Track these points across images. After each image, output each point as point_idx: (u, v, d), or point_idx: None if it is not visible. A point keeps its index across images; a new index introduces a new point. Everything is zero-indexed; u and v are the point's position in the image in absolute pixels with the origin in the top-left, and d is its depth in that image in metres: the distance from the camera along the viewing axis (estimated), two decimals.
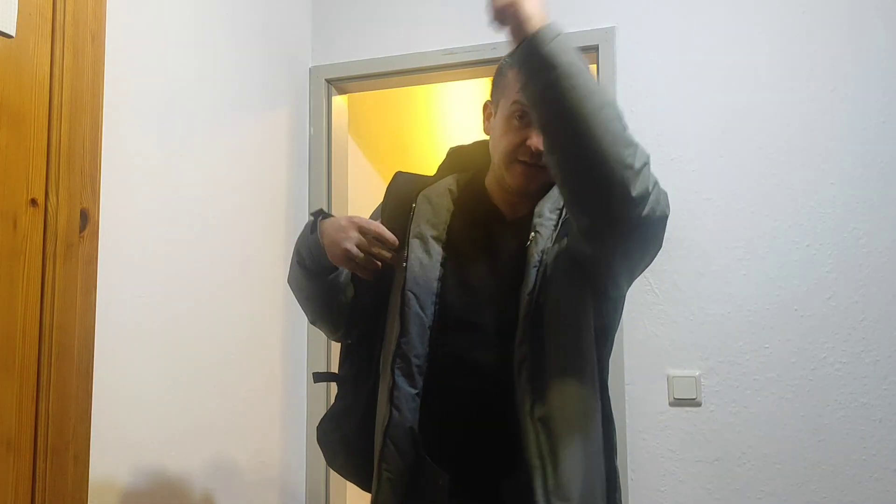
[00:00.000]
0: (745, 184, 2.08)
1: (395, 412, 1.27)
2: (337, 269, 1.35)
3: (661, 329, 2.11)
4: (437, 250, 1.33)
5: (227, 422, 2.01)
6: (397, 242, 1.31)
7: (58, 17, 1.46)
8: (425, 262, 1.32)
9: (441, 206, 1.38)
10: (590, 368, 1.27)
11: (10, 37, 1.37)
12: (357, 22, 2.52)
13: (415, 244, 1.34)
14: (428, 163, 3.60)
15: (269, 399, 2.23)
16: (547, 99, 1.12)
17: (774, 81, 2.09)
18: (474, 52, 2.34)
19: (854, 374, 1.96)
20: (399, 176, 1.47)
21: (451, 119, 3.75)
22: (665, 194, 1.18)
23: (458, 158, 1.49)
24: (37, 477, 1.37)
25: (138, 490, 1.69)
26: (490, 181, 1.44)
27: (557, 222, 1.30)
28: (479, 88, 4.05)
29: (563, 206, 1.31)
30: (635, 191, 1.09)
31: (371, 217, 1.48)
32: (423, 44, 2.42)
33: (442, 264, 1.32)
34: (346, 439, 1.45)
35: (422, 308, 1.30)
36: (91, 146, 1.53)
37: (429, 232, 1.35)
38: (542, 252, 1.26)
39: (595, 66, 2.26)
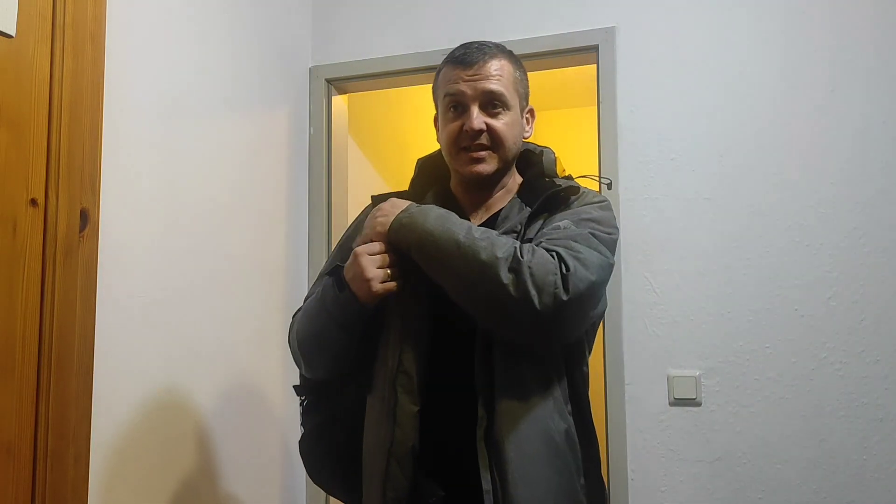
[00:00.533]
0: (745, 184, 2.08)
1: (397, 431, 1.27)
2: (369, 309, 1.33)
3: (661, 329, 2.11)
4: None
5: (228, 422, 2.01)
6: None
7: (58, 17, 1.46)
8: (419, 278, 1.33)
9: None
10: (550, 389, 1.27)
11: (10, 37, 1.37)
12: (357, 22, 2.52)
13: (407, 266, 1.34)
14: None
15: (270, 399, 2.23)
16: (424, 259, 1.27)
17: (774, 81, 2.09)
18: None
19: (855, 374, 1.96)
20: (377, 200, 1.47)
21: None
22: (581, 268, 1.20)
23: (427, 169, 1.51)
24: (37, 479, 1.37)
25: (138, 491, 1.69)
26: (454, 185, 1.47)
27: None
28: None
29: (520, 229, 1.32)
30: (516, 292, 1.16)
31: (343, 238, 1.52)
32: (423, 44, 2.42)
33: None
34: (331, 451, 1.45)
35: (419, 324, 1.31)
36: (91, 146, 1.53)
37: None
38: None
39: (595, 66, 2.26)
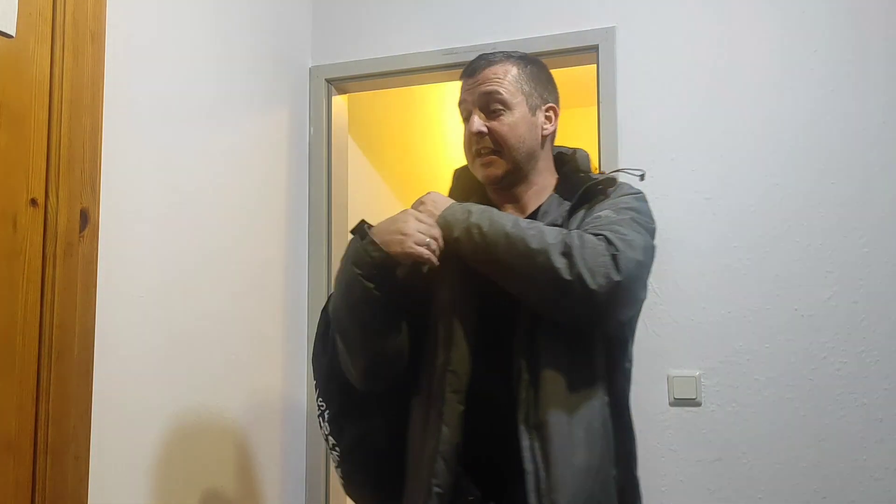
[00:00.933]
0: (745, 184, 2.08)
1: (445, 429, 1.29)
2: (390, 266, 1.30)
3: (661, 329, 2.11)
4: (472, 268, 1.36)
5: (228, 422, 2.01)
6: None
7: (58, 17, 1.46)
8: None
9: None
10: (592, 377, 1.30)
11: (10, 37, 1.37)
12: (357, 22, 2.52)
13: (453, 263, 1.37)
14: (428, 163, 3.59)
15: (270, 398, 2.23)
16: (473, 255, 1.30)
17: (774, 81, 2.09)
18: (474, 52, 2.32)
19: (855, 374, 1.95)
20: None
21: (452, 119, 3.75)
22: (628, 249, 1.24)
23: (463, 178, 1.54)
24: (37, 477, 1.37)
25: (138, 490, 1.69)
26: (488, 191, 1.50)
27: None
28: None
29: (561, 222, 1.35)
30: (570, 275, 1.21)
31: None
32: (423, 44, 2.42)
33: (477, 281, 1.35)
34: (380, 455, 1.45)
35: (467, 324, 1.33)
36: (91, 146, 1.53)
37: None
38: None
39: (595, 66, 2.26)
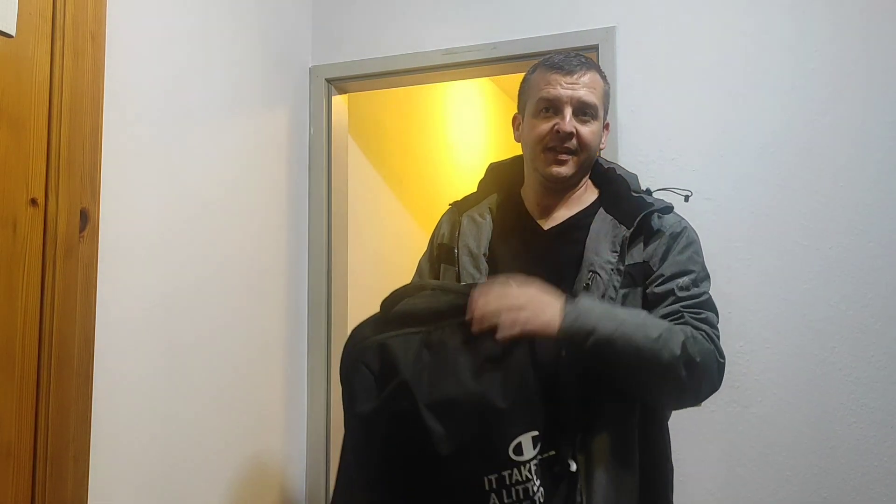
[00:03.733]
0: (745, 184, 2.08)
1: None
2: None
3: None
4: (484, 266, 1.45)
5: (228, 422, 2.01)
6: None
7: (58, 17, 1.46)
8: (476, 277, 1.43)
9: (483, 224, 1.50)
10: (629, 409, 1.35)
11: (10, 37, 1.37)
12: (357, 22, 2.52)
13: (465, 260, 1.46)
14: (428, 163, 3.57)
15: (269, 399, 2.22)
16: (602, 364, 1.29)
17: (775, 81, 2.08)
18: (474, 51, 2.34)
19: (864, 379, 1.93)
20: (451, 206, 1.61)
21: (452, 119, 3.74)
22: (720, 349, 1.34)
23: (496, 174, 1.60)
24: (36, 483, 1.37)
25: (138, 496, 1.69)
26: (526, 192, 1.54)
27: (617, 267, 1.38)
28: (480, 88, 4.04)
29: (620, 249, 1.38)
30: (689, 386, 1.30)
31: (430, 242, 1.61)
32: (423, 44, 2.42)
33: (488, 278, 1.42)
34: None
35: None
36: (91, 146, 1.53)
37: (475, 249, 1.47)
38: (603, 297, 1.36)
39: None
